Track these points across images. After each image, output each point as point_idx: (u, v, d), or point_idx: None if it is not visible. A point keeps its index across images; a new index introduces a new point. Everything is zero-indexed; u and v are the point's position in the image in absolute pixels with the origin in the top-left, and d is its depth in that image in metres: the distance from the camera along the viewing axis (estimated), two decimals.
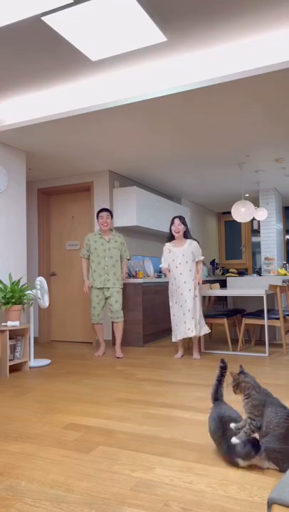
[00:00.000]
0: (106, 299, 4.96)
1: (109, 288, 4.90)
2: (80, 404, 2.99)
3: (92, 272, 4.95)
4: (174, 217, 4.74)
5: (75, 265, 6.18)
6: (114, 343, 5.60)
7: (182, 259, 4.63)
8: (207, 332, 4.64)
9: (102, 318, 4.97)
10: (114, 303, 4.88)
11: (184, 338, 5.11)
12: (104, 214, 4.91)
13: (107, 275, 4.89)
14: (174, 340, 4.65)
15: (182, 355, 4.72)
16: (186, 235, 4.73)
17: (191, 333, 4.50)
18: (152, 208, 6.31)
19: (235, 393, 2.06)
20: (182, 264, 4.62)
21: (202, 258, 4.73)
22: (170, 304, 4.72)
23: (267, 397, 1.99)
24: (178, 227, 4.69)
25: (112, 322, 4.98)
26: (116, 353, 4.82)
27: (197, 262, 4.70)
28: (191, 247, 4.66)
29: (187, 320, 4.54)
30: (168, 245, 4.76)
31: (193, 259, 4.66)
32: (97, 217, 4.95)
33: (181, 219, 4.72)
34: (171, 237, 4.79)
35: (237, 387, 2.04)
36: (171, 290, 4.71)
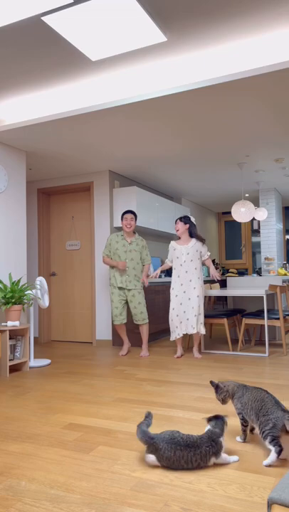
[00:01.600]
0: (126, 301, 4.95)
1: (130, 289, 4.89)
2: (80, 404, 2.99)
3: (114, 272, 4.95)
4: (176, 220, 4.84)
5: (75, 265, 6.18)
6: (114, 344, 5.60)
7: (187, 257, 4.66)
8: (203, 333, 4.64)
9: (125, 319, 4.94)
10: (137, 305, 4.87)
11: (183, 337, 5.12)
12: (128, 216, 4.92)
13: (128, 276, 4.89)
14: (172, 339, 4.65)
15: (182, 354, 4.72)
16: (192, 233, 4.75)
17: (193, 330, 4.53)
18: (152, 207, 6.31)
19: (225, 404, 2.31)
20: (187, 262, 4.65)
21: (209, 254, 4.76)
22: (171, 304, 4.69)
23: (244, 389, 2.26)
24: (176, 226, 4.77)
25: (138, 325, 4.98)
26: (142, 352, 4.87)
27: (206, 260, 4.76)
28: (196, 245, 4.69)
29: (190, 317, 4.56)
30: (172, 243, 4.81)
31: (199, 257, 4.68)
32: (122, 219, 4.96)
33: (182, 219, 4.77)
34: (179, 237, 4.88)
35: (223, 401, 2.29)
36: (174, 288, 4.69)
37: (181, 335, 4.61)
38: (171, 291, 4.71)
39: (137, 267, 4.92)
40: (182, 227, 4.73)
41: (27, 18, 2.71)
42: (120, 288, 4.90)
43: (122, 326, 4.98)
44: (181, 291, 4.63)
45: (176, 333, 4.62)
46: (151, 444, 1.96)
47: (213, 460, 1.96)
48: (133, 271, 4.89)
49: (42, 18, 2.70)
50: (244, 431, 2.25)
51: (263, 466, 1.96)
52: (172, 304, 4.66)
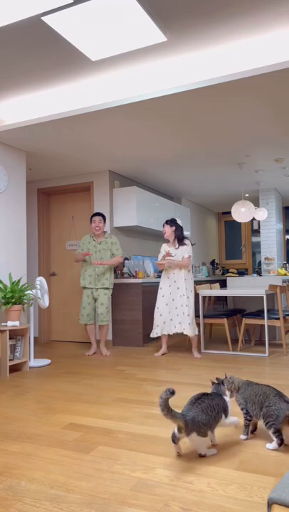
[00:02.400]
0: (95, 300, 5.06)
1: (97, 289, 5.00)
2: (80, 404, 2.99)
3: (83, 272, 5.07)
4: (163, 224, 4.90)
5: (75, 265, 6.18)
6: (114, 344, 5.60)
7: (175, 259, 4.72)
8: (195, 334, 4.63)
9: (91, 320, 5.05)
10: (99, 305, 4.98)
11: (169, 336, 5.19)
12: (96, 218, 5.04)
13: (97, 276, 5.00)
14: (152, 336, 4.72)
15: (164, 353, 4.81)
16: (177, 236, 4.79)
17: (183, 331, 4.58)
18: (152, 208, 6.31)
19: (232, 398, 2.31)
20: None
21: (188, 255, 4.70)
22: (157, 303, 4.75)
23: (247, 385, 2.29)
24: (164, 229, 4.86)
25: (98, 325, 5.03)
26: (101, 351, 4.98)
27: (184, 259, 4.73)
28: (181, 248, 4.74)
29: (174, 317, 4.63)
30: (164, 245, 4.91)
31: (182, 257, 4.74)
32: (90, 221, 5.07)
33: (168, 222, 4.82)
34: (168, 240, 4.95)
35: (230, 393, 2.32)
36: (162, 288, 4.74)
37: (160, 334, 4.68)
38: (159, 290, 4.78)
39: (106, 267, 5.02)
40: (169, 230, 4.80)
41: (27, 18, 2.71)
42: (88, 288, 5.00)
43: (90, 326, 5.07)
44: (168, 292, 4.70)
45: (155, 332, 4.70)
46: (187, 422, 2.01)
47: (223, 417, 2.10)
48: (102, 269, 5.00)
49: (42, 18, 2.70)
50: (247, 426, 2.28)
51: (262, 465, 1.96)
52: (157, 303, 4.75)
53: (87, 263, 5.05)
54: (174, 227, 4.78)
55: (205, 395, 2.14)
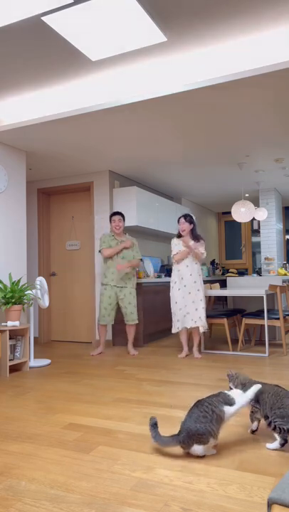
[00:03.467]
0: (117, 301, 5.00)
1: (122, 288, 4.96)
2: (80, 404, 2.99)
3: (106, 269, 5.00)
4: (180, 217, 4.80)
5: (75, 265, 6.18)
6: (114, 344, 5.60)
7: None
8: (204, 328, 4.63)
9: (112, 320, 4.99)
10: (127, 305, 4.94)
11: (188, 337, 5.14)
12: (116, 218, 5.00)
13: (120, 274, 4.96)
14: (174, 331, 4.69)
15: (187, 355, 4.74)
16: (194, 233, 4.76)
17: (195, 324, 4.55)
18: (152, 208, 6.31)
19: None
20: (188, 257, 4.68)
21: (204, 252, 4.72)
22: (172, 298, 4.71)
23: (253, 382, 2.30)
24: (182, 226, 4.76)
25: (126, 324, 5.03)
26: (129, 351, 4.95)
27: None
28: (198, 243, 4.70)
29: (191, 311, 4.59)
30: (175, 239, 4.82)
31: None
32: (110, 221, 5.02)
33: (187, 218, 4.77)
34: (179, 235, 4.84)
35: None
36: (176, 282, 4.70)
37: (181, 328, 4.64)
38: (174, 285, 4.72)
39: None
40: (188, 228, 4.74)
41: (27, 18, 2.71)
42: (113, 286, 4.95)
43: (105, 327, 5.05)
44: (182, 285, 4.65)
45: (177, 326, 4.67)
46: (182, 440, 2.03)
47: (225, 411, 2.09)
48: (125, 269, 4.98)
49: (42, 18, 2.69)
50: (253, 418, 2.31)
51: (262, 465, 1.96)
52: (175, 298, 4.68)
53: (112, 261, 4.97)
54: (192, 225, 4.77)
55: (197, 402, 2.14)
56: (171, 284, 4.76)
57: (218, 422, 2.06)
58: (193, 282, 4.63)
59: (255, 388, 2.18)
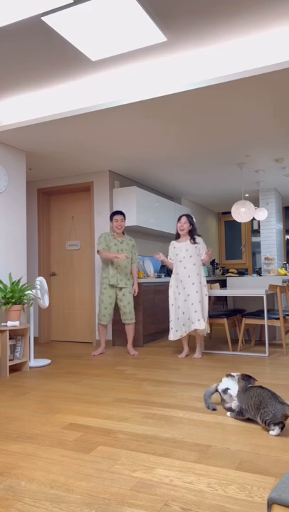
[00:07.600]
0: (116, 300, 5.03)
1: (122, 288, 4.99)
2: (80, 404, 2.99)
3: (109, 270, 4.99)
4: (181, 216, 4.77)
5: (75, 265, 6.18)
6: (114, 344, 5.60)
7: (186, 254, 4.63)
8: (204, 329, 4.59)
9: (111, 320, 5.03)
10: (126, 304, 4.97)
11: (189, 336, 5.12)
12: (118, 217, 5.01)
13: (119, 275, 4.97)
14: (172, 338, 4.59)
15: (187, 355, 4.72)
16: (192, 234, 4.74)
17: (198, 326, 4.43)
18: (152, 208, 6.31)
19: None
20: (186, 258, 4.62)
21: (207, 250, 4.71)
22: (170, 301, 4.68)
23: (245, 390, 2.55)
24: (183, 225, 4.71)
25: (125, 324, 5.05)
26: (129, 351, 4.96)
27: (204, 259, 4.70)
28: (198, 244, 4.67)
29: (192, 315, 4.51)
30: (173, 242, 4.81)
31: (198, 253, 4.65)
32: (111, 220, 5.03)
33: (188, 217, 4.75)
34: (177, 236, 4.81)
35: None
36: (173, 286, 4.69)
37: (180, 335, 4.57)
38: (170, 288, 4.72)
39: (128, 266, 5.05)
40: (187, 228, 4.71)
41: (27, 18, 2.71)
42: (112, 286, 4.97)
43: (106, 327, 5.07)
44: (181, 288, 4.62)
45: (178, 334, 4.57)
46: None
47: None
48: (124, 269, 5.01)
49: (42, 18, 2.70)
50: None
51: (262, 465, 1.96)
52: (176, 302, 4.64)
53: (112, 263, 4.99)
54: (191, 226, 4.75)
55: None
56: (169, 288, 4.75)
57: None
58: (191, 284, 4.59)
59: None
